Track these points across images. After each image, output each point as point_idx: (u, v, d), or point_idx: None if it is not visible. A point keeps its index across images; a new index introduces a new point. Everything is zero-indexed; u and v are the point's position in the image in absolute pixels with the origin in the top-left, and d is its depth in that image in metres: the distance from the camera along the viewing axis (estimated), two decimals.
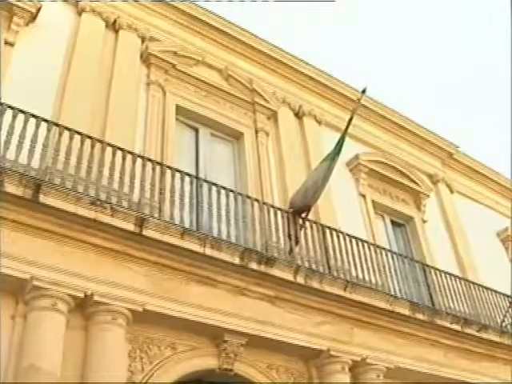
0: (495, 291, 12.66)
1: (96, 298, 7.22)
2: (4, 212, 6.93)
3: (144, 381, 7.50)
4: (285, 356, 8.92)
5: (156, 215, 8.09)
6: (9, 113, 7.63)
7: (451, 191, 15.98)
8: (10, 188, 6.91)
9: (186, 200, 8.70)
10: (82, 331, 7.28)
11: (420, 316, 10.33)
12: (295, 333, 8.76)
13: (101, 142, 8.40)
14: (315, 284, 9.05)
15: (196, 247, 8.03)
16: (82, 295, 7.15)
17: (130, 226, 7.61)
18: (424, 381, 10.34)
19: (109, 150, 8.33)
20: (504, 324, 12.07)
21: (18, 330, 6.84)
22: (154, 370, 7.66)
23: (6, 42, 9.37)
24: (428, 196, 14.60)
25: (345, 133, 10.25)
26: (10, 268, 6.79)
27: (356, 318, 9.54)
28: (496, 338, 11.59)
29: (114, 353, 7.16)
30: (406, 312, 10.11)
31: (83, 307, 7.29)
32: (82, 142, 8.09)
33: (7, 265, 6.77)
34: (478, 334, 11.32)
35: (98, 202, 7.46)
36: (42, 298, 6.89)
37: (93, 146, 8.17)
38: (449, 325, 10.83)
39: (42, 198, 7.07)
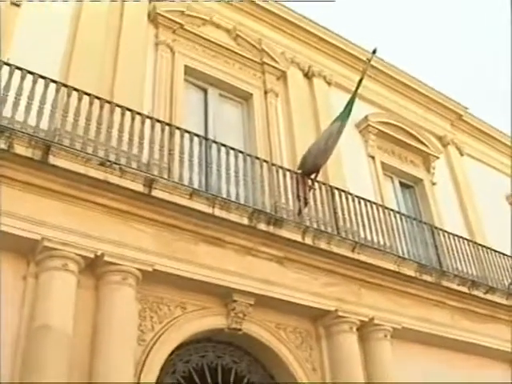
0: (503, 254, 12.70)
1: (106, 258, 7.28)
2: (14, 173, 6.96)
3: (154, 340, 7.58)
4: (293, 316, 9.00)
5: (165, 176, 8.09)
6: (17, 74, 7.59)
7: (461, 154, 15.89)
8: (20, 149, 6.93)
9: (195, 161, 8.71)
10: (93, 291, 7.36)
11: (427, 277, 10.38)
12: (303, 293, 8.84)
13: (109, 102, 8.37)
14: (323, 245, 9.09)
15: (205, 208, 8.06)
16: (92, 256, 7.20)
17: (139, 187, 7.63)
18: (429, 340, 10.44)
19: (118, 110, 8.29)
20: (511, 287, 12.11)
21: (29, 290, 6.92)
22: (164, 329, 7.75)
23: (12, 3, 9.26)
24: (437, 158, 14.53)
25: (355, 94, 10.17)
26: (20, 229, 6.84)
27: (363, 278, 9.60)
28: (503, 301, 11.66)
29: (125, 312, 7.25)
30: (413, 273, 10.15)
31: (93, 267, 7.36)
32: (91, 103, 8.05)
33: (18, 226, 6.82)
34: (484, 296, 11.37)
35: (107, 163, 7.46)
36: (53, 259, 6.96)
37: (101, 107, 8.14)
38: (456, 286, 10.88)
39: (52, 159, 7.08)
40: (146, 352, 7.46)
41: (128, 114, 8.35)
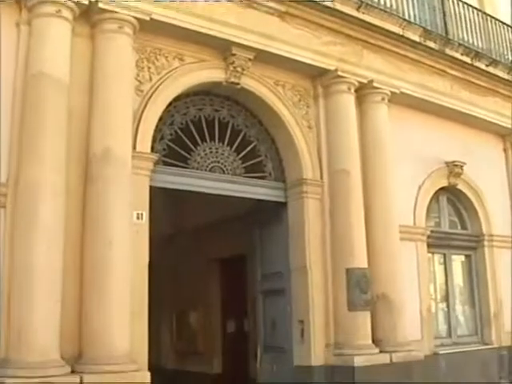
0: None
1: (101, 5, 6.93)
2: None
3: (152, 90, 7.55)
4: (292, 73, 8.94)
5: None
6: None
7: None
8: None
9: None
10: (89, 40, 7.14)
11: (431, 44, 10.13)
12: (304, 50, 8.66)
13: None
14: (327, 1, 8.66)
15: None
16: (86, 2, 6.85)
17: None
18: (426, 108, 10.53)
19: None
20: None
21: (23, 37, 6.69)
22: (162, 80, 7.68)
23: None
24: None
25: None
26: None
27: (366, 40, 9.33)
28: (504, 75, 11.55)
29: (122, 61, 7.10)
30: (418, 38, 9.87)
31: (88, 15, 7.06)
32: None
33: None
34: (486, 69, 11.24)
35: None
36: (46, 5, 6.62)
37: None
38: (459, 56, 10.69)
39: None
40: (143, 102, 7.46)
41: None
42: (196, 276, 12.99)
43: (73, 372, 6.07)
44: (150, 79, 7.63)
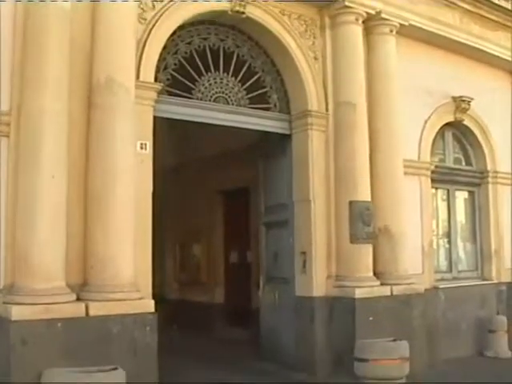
0: None
1: None
2: None
3: (155, 19, 7.36)
4: (298, 3, 8.72)
5: None
6: None
7: None
8: None
9: None
10: None
11: None
12: None
13: None
14: None
15: None
16: None
17: None
18: (435, 42, 10.29)
19: None
20: None
21: None
22: (166, 8, 7.46)
23: None
24: None
25: None
26: None
27: None
28: None
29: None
30: None
31: None
32: None
33: None
34: (498, 2, 10.92)
35: None
36: None
37: None
38: None
39: None
40: (147, 31, 7.29)
41: None
42: (200, 208, 13.08)
43: (78, 299, 6.16)
44: (154, 7, 7.43)
